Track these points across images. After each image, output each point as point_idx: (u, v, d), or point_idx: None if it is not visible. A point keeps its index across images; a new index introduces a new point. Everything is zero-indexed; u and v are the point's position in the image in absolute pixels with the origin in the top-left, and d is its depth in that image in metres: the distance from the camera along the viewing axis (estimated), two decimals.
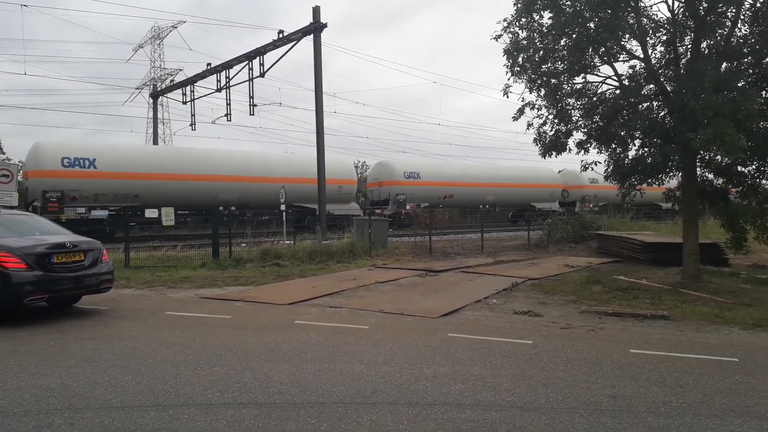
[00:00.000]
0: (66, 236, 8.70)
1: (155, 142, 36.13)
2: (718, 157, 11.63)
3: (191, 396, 4.75)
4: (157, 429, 4.02)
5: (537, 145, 12.73)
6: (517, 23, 11.66)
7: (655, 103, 12.19)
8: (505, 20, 11.78)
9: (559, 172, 42.64)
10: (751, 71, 10.91)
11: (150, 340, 6.82)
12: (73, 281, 8.13)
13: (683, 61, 11.40)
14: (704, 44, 11.17)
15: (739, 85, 10.34)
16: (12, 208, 10.78)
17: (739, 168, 11.89)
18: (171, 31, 50.05)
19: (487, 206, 36.74)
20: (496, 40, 11.93)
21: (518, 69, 11.85)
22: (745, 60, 10.85)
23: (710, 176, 12.69)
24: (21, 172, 20.21)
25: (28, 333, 7.18)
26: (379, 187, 33.90)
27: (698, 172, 12.09)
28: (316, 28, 21.13)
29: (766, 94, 11.06)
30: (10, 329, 7.34)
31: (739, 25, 10.85)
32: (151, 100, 37.18)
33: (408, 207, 32.58)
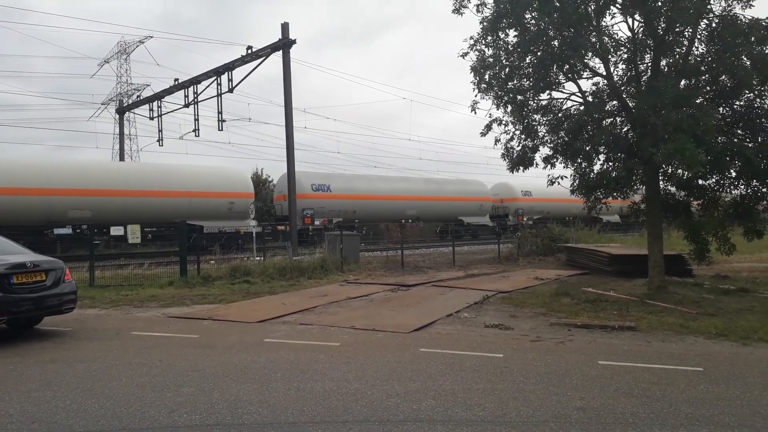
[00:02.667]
0: (26, 256, 8.44)
1: (122, 158, 35.55)
2: (680, 171, 11.96)
3: (157, 419, 4.62)
4: None
5: (505, 160, 12.93)
6: (484, 41, 11.88)
7: (618, 119, 12.52)
8: (471, 38, 12.00)
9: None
10: (708, 88, 11.30)
11: (114, 361, 6.63)
12: (34, 302, 7.88)
13: (644, 78, 11.74)
14: (663, 62, 11.54)
15: (698, 101, 10.69)
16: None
17: (700, 181, 12.25)
18: (138, 46, 49.54)
19: (409, 220, 34.71)
20: (463, 58, 12.14)
21: (485, 86, 12.05)
22: (703, 77, 11.23)
23: (673, 189, 13.04)
24: None
25: None
26: (284, 201, 30.04)
27: (661, 186, 12.41)
28: (285, 44, 21.18)
29: (723, 110, 11.47)
30: None
31: (696, 44, 11.25)
32: (117, 116, 36.61)
33: (317, 222, 30.39)
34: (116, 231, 17.33)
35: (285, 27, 21.30)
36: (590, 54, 11.42)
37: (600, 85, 12.46)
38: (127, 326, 9.03)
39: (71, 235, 22.73)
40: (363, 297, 12.03)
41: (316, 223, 30.55)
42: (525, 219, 40.57)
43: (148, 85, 44.80)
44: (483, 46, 11.94)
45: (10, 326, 8.44)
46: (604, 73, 11.75)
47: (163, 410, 4.82)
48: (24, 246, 9.20)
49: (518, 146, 12.64)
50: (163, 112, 29.23)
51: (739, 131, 11.61)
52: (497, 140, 12.79)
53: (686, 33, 11.11)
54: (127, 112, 36.39)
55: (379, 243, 27.01)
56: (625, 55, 11.98)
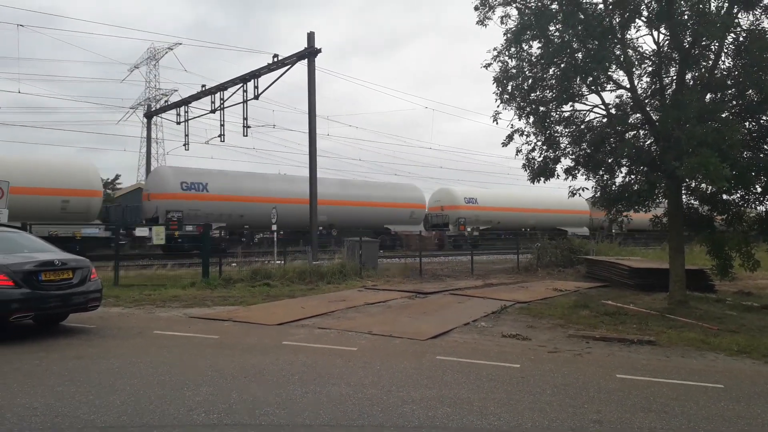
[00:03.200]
0: (55, 254, 8.67)
1: (148, 162, 36.11)
2: (703, 185, 11.82)
3: (176, 416, 4.73)
4: None
5: (526, 170, 12.90)
6: (507, 52, 11.90)
7: (641, 132, 12.43)
8: (495, 49, 12.03)
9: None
10: (734, 102, 11.17)
11: (136, 359, 6.78)
12: (61, 299, 8.08)
13: (668, 91, 11.65)
14: (689, 76, 11.44)
15: (723, 115, 10.58)
16: (1, 225, 10.72)
17: (724, 196, 12.09)
18: (167, 52, 50.53)
19: (322, 229, 29.47)
20: (486, 69, 12.17)
21: (507, 97, 12.06)
22: (729, 92, 11.10)
23: (696, 204, 12.89)
24: None
25: (13, 351, 7.11)
26: (149, 200, 27.22)
27: (684, 200, 12.28)
28: (310, 53, 21.43)
29: (749, 125, 11.33)
30: None
31: (722, 58, 11.14)
32: (145, 120, 37.29)
33: (190, 227, 25.60)
34: (141, 232, 17.63)
35: (311, 36, 21.55)
36: (614, 66, 11.37)
37: (623, 98, 12.39)
38: (150, 325, 9.20)
39: (97, 234, 23.20)
40: (381, 303, 12.08)
41: (188, 228, 25.41)
42: (469, 229, 37.55)
43: (176, 91, 45.58)
44: (506, 58, 11.97)
45: (37, 322, 8.66)
46: (628, 86, 11.69)
47: (183, 408, 4.93)
48: (52, 244, 9.44)
49: (539, 157, 12.60)
50: (189, 117, 29.75)
51: (765, 146, 11.44)
52: (518, 151, 12.77)
53: (713, 47, 11.01)
54: (154, 117, 37.02)
55: (396, 250, 26.69)
56: (650, 68, 11.90)
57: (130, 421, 4.59)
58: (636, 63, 11.55)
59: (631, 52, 11.42)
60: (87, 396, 5.25)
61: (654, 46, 11.50)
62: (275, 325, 9.29)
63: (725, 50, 10.98)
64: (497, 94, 12.09)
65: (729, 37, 10.62)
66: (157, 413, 4.80)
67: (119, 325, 9.23)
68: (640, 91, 11.97)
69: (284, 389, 5.58)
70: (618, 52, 11.07)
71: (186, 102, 29.65)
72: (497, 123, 12.32)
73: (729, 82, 10.93)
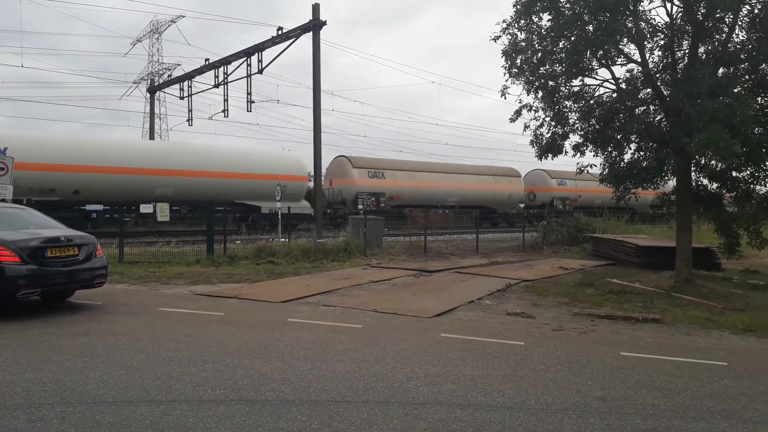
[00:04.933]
0: (60, 230, 8.68)
1: (151, 137, 36.11)
2: (713, 162, 11.69)
3: (183, 392, 4.76)
4: (148, 425, 4.03)
5: (534, 147, 12.78)
6: (516, 25, 11.69)
7: (651, 107, 12.25)
8: (504, 21, 11.82)
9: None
10: (747, 77, 10.98)
11: (143, 335, 6.82)
12: (67, 275, 8.12)
13: (680, 65, 11.45)
14: (701, 49, 11.23)
15: (735, 90, 10.41)
16: (5, 201, 10.74)
17: (734, 173, 11.95)
18: (170, 25, 50.12)
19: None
20: (495, 41, 11.96)
21: (516, 70, 11.89)
22: (742, 66, 10.91)
23: (705, 181, 12.77)
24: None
25: (21, 327, 7.17)
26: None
27: (693, 177, 12.15)
28: (315, 25, 21.17)
29: (761, 100, 11.13)
30: (3, 323, 7.33)
31: (736, 31, 10.92)
32: (148, 95, 37.14)
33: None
34: (145, 209, 17.65)
35: (316, 8, 21.27)
36: (626, 40, 11.17)
37: (634, 72, 12.17)
38: (155, 302, 9.26)
39: (101, 211, 23.29)
40: (385, 281, 12.10)
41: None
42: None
43: (179, 65, 45.37)
44: (516, 30, 11.76)
45: (44, 298, 8.72)
46: (639, 60, 11.48)
47: (189, 384, 4.96)
48: (57, 221, 9.45)
49: (548, 133, 12.47)
50: (193, 92, 29.63)
51: None
52: (526, 126, 12.65)
53: (726, 19, 10.79)
54: (158, 92, 36.88)
55: (402, 228, 26.75)
56: (662, 42, 11.69)
57: (137, 397, 4.62)
58: (648, 36, 11.33)
59: (643, 24, 11.20)
60: (95, 371, 5.29)
61: (667, 19, 11.29)
62: (280, 303, 9.33)
63: (739, 23, 10.77)
64: (506, 67, 11.93)
65: (744, 10, 10.39)
66: (164, 389, 4.83)
67: (125, 301, 9.28)
68: (651, 65, 11.77)
69: (290, 365, 5.61)
70: (630, 25, 10.85)
71: (189, 76, 29.49)
72: (505, 98, 12.19)
73: (742, 56, 10.74)
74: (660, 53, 11.93)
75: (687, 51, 11.41)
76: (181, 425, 4.03)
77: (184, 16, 50.79)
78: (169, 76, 38.53)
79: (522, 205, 39.89)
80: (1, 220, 8.41)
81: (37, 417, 4.14)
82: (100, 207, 23.14)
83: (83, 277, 8.35)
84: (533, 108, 12.31)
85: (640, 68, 11.74)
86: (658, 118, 12.03)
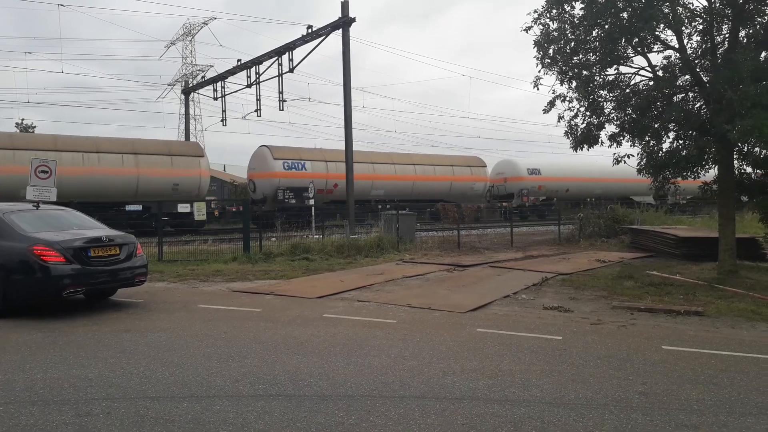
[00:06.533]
0: (102, 230, 8.93)
1: (187, 138, 36.77)
2: (757, 149, 11.29)
3: (223, 388, 4.85)
4: (190, 419, 4.12)
5: (568, 138, 12.56)
6: (548, 14, 11.49)
7: (690, 94, 11.89)
8: (535, 11, 11.63)
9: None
10: None
11: (183, 332, 6.97)
12: (109, 274, 8.35)
13: (720, 50, 11.08)
14: (742, 33, 10.85)
15: None
16: (50, 203, 11.11)
17: None
18: (202, 27, 50.90)
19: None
20: (527, 32, 11.78)
21: (549, 61, 11.69)
22: None
23: (748, 169, 12.33)
24: None
25: (67, 325, 7.41)
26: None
27: (735, 165, 11.77)
28: (344, 22, 21.19)
29: None
30: (50, 321, 7.60)
31: None
32: (183, 96, 37.84)
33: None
34: (183, 208, 18.02)
35: (345, 5, 21.30)
36: (662, 26, 10.85)
37: (671, 59, 11.83)
38: (194, 299, 9.45)
39: (141, 211, 23.87)
40: (419, 276, 12.08)
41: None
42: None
43: (212, 66, 46.14)
44: (547, 20, 11.55)
45: (87, 297, 8.99)
46: (677, 46, 11.15)
47: (229, 380, 5.05)
48: (99, 221, 9.73)
49: (582, 123, 12.23)
50: (226, 93, 30.05)
51: None
52: (560, 117, 12.42)
53: None
54: (192, 93, 37.54)
55: (435, 223, 26.63)
56: (701, 26, 11.33)
57: (179, 392, 4.73)
58: (686, 21, 10.99)
59: (680, 9, 10.86)
60: (137, 367, 5.43)
61: (705, 3, 10.92)
62: (315, 298, 9.41)
63: None
64: (538, 58, 11.74)
65: None
66: (204, 384, 4.93)
67: (165, 299, 9.50)
68: (689, 51, 11.41)
69: (326, 361, 5.65)
70: (666, 10, 10.54)
71: (222, 77, 29.91)
72: (538, 89, 12.02)
73: None
74: (698, 38, 11.58)
75: (727, 35, 11.03)
76: (221, 420, 4.10)
77: (216, 18, 51.64)
78: (203, 77, 39.16)
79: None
80: (47, 221, 8.71)
81: (84, 412, 4.27)
82: (139, 207, 23.71)
83: (124, 275, 8.58)
84: (567, 98, 12.08)
85: (677, 54, 11.41)
86: (698, 105, 11.67)
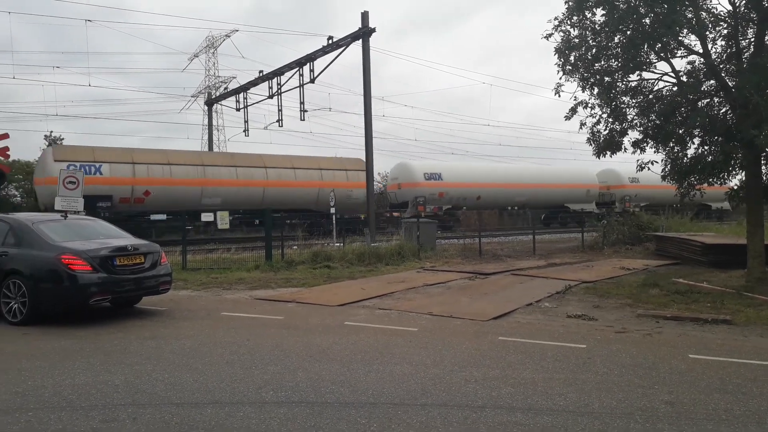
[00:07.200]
0: (127, 240, 9.10)
1: (210, 148, 37.28)
2: None
3: (246, 394, 4.89)
4: (214, 425, 4.17)
5: (591, 144, 12.45)
6: (569, 21, 11.44)
7: (715, 100, 11.70)
8: (556, 18, 11.59)
9: None
10: None
11: (206, 339, 7.05)
12: (134, 283, 8.49)
13: (746, 55, 10.90)
14: None
15: None
16: (78, 213, 11.35)
17: None
18: (224, 39, 51.55)
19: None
20: (547, 39, 11.74)
21: (570, 68, 11.62)
22: None
23: None
24: None
25: (93, 332, 7.54)
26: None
27: (763, 171, 11.53)
28: (364, 33, 21.35)
29: None
30: (76, 328, 7.75)
31: None
32: (206, 108, 38.42)
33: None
34: (206, 217, 18.24)
35: (365, 15, 21.47)
36: (685, 31, 10.73)
37: (696, 64, 11.66)
38: (217, 307, 9.55)
39: (164, 221, 24.22)
40: (440, 284, 12.05)
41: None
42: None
43: (235, 78, 46.63)
44: (568, 27, 11.49)
45: (113, 305, 9.14)
46: (701, 51, 11.00)
47: (252, 386, 5.09)
48: (124, 230, 9.90)
49: (605, 130, 12.12)
50: (248, 104, 30.40)
51: None
52: (582, 124, 12.32)
53: None
54: (215, 104, 38.08)
55: (455, 230, 26.47)
56: (725, 31, 11.16)
57: (203, 399, 4.78)
58: (710, 26, 10.85)
59: (704, 14, 10.73)
60: (162, 374, 5.51)
61: (729, 7, 10.77)
62: (337, 306, 9.44)
63: None
64: (559, 65, 11.68)
65: None
66: (228, 391, 4.98)
67: (189, 307, 9.62)
68: (714, 56, 11.25)
69: (348, 368, 5.67)
70: (690, 15, 10.42)
71: (244, 89, 30.29)
72: (559, 96, 11.91)
73: None
74: (723, 43, 11.41)
75: (752, 39, 10.86)
76: (245, 427, 4.14)
77: (237, 30, 52.18)
78: (225, 88, 39.76)
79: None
80: (74, 231, 8.90)
81: (110, 417, 4.35)
82: (163, 216, 24.06)
83: (149, 284, 8.71)
84: (589, 105, 11.99)
85: (702, 59, 11.25)
86: (723, 110, 11.48)
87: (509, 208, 36.52)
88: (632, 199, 38.95)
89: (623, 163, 20.72)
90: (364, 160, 22.21)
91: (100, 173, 23.43)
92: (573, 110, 12.09)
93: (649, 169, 12.23)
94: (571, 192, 37.82)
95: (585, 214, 35.61)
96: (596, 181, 39.37)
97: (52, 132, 42.27)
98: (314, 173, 28.61)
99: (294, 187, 27.76)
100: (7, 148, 20.86)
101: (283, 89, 27.09)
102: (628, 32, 10.73)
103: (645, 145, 12.01)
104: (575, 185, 38.13)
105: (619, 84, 11.76)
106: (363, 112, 21.35)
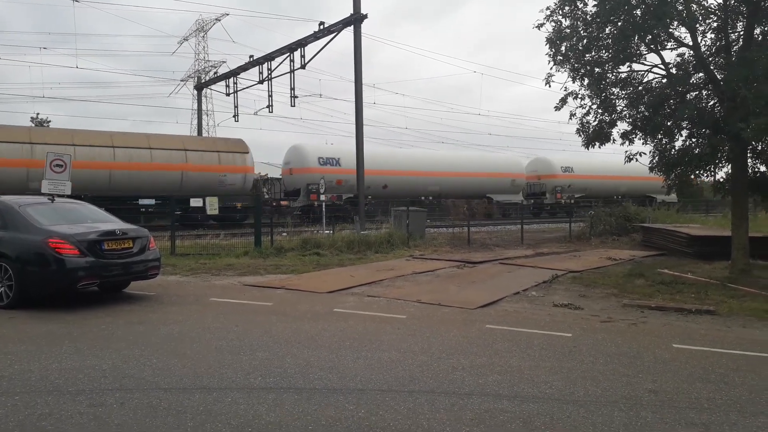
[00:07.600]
0: (116, 224, 9.03)
1: (199, 133, 36.97)
2: None
3: (234, 380, 4.90)
4: (202, 411, 4.18)
5: (580, 135, 12.52)
6: (560, 11, 11.46)
7: (704, 92, 11.80)
8: (547, 8, 11.59)
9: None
10: None
11: (195, 325, 7.05)
12: (123, 267, 8.45)
13: (735, 48, 10.99)
14: (758, 31, 10.74)
15: None
16: (65, 196, 11.24)
17: None
18: (215, 23, 51.11)
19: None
20: (539, 29, 11.76)
21: (561, 58, 11.66)
22: None
23: (762, 168, 12.22)
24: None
25: (81, 317, 7.51)
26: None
27: (749, 164, 11.67)
28: (356, 19, 21.18)
29: None
30: (64, 313, 7.70)
31: None
32: (195, 92, 38.04)
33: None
34: (195, 202, 18.13)
35: (356, 1, 21.29)
36: (676, 23, 10.78)
37: (685, 56, 11.74)
38: (206, 293, 9.53)
39: (153, 205, 24.05)
40: (429, 272, 12.10)
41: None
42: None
43: (224, 62, 46.30)
44: (560, 17, 11.52)
45: (101, 289, 9.10)
46: (691, 44, 11.06)
47: (240, 372, 5.11)
48: (112, 215, 9.82)
49: (594, 121, 12.19)
50: (238, 89, 30.15)
51: None
52: (572, 115, 12.38)
53: None
54: (204, 89, 37.70)
55: (444, 219, 26.44)
56: (715, 24, 11.23)
57: (191, 384, 4.79)
58: (700, 18, 10.91)
59: (694, 6, 10.78)
60: (150, 359, 5.50)
61: (720, 0, 10.82)
62: (326, 293, 9.46)
63: None
64: (550, 55, 11.71)
65: None
66: (216, 376, 4.99)
67: (177, 292, 9.59)
68: (703, 49, 11.33)
69: (336, 355, 5.70)
70: (680, 7, 10.46)
71: (234, 73, 30.02)
72: (550, 86, 11.97)
73: None
74: (713, 36, 11.48)
75: (742, 33, 10.93)
76: (233, 412, 4.16)
77: (228, 14, 51.73)
78: (215, 73, 39.34)
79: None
80: (62, 215, 8.82)
81: (98, 402, 4.34)
82: (152, 201, 23.88)
83: (138, 268, 8.67)
84: (579, 96, 12.05)
85: (691, 52, 11.32)
86: (711, 103, 11.58)
87: (422, 198, 32.08)
88: (565, 190, 36.71)
89: (563, 152, 20.64)
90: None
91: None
92: (563, 100, 12.15)
93: (637, 160, 12.34)
94: (494, 182, 34.76)
95: (509, 206, 33.94)
96: (524, 170, 36.93)
97: (38, 114, 41.74)
98: (177, 154, 24.40)
99: (150, 170, 23.62)
100: None
101: (273, 75, 26.89)
102: (619, 23, 10.76)
103: (633, 136, 12.11)
104: (499, 174, 35.09)
105: (610, 75, 11.83)
106: (354, 99, 21.26)
